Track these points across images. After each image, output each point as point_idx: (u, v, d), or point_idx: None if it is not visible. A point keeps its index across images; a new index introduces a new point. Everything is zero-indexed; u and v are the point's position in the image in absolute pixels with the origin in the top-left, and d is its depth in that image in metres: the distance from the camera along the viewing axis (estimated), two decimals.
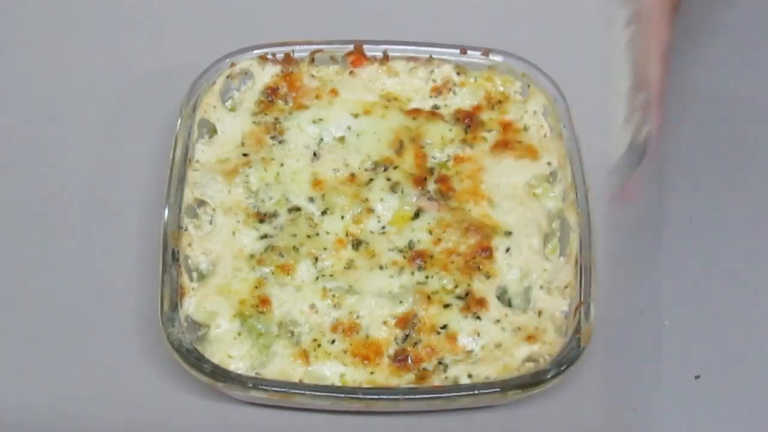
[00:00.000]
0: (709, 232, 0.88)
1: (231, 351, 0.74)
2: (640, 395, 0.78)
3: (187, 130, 0.84)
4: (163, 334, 0.73)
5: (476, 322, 0.76)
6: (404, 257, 0.80)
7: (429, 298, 0.77)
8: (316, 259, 0.79)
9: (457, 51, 0.90)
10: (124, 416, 0.76)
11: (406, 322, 0.76)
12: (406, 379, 0.74)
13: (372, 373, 0.74)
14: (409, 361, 0.75)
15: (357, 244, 0.81)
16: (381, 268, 0.79)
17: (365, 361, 0.75)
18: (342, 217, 0.81)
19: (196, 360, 0.72)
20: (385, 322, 0.76)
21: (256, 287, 0.77)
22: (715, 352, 0.81)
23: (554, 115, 0.87)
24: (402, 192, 0.83)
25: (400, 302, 0.77)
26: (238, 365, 0.74)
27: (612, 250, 0.83)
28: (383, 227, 0.82)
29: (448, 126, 0.88)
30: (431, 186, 0.84)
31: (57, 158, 0.90)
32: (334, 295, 0.77)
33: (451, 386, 0.73)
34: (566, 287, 0.78)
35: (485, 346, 0.75)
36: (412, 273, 0.79)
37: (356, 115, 0.87)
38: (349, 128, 0.87)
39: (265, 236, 0.81)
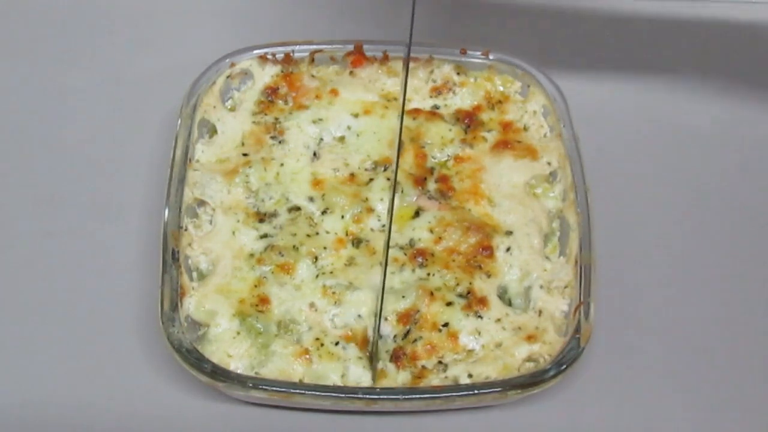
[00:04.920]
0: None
1: (230, 350, 0.74)
2: (640, 395, 0.78)
3: (187, 130, 0.84)
4: (163, 334, 0.73)
5: (477, 320, 0.76)
6: (405, 254, 0.80)
7: (432, 294, 0.77)
8: (316, 258, 0.79)
9: (457, 51, 0.90)
10: (124, 416, 0.76)
11: (407, 318, 0.76)
12: (404, 377, 0.74)
13: (372, 372, 0.74)
14: (409, 357, 0.75)
15: (357, 242, 0.81)
16: (381, 264, 0.79)
17: (365, 360, 0.75)
18: (342, 217, 0.81)
19: (196, 360, 0.72)
20: (386, 318, 0.76)
21: (255, 286, 0.77)
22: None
23: (554, 115, 0.87)
24: (402, 192, 0.83)
25: (403, 297, 0.77)
26: (237, 364, 0.74)
27: (612, 250, 0.83)
28: (383, 225, 0.81)
29: (448, 126, 0.88)
30: (431, 185, 0.84)
31: (57, 158, 0.90)
32: (334, 292, 0.77)
33: (451, 386, 0.73)
34: (566, 287, 0.78)
35: (485, 346, 0.76)
36: (413, 270, 0.79)
37: (356, 115, 0.87)
38: (349, 128, 0.87)
39: (264, 236, 0.81)
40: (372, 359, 0.75)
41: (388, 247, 0.78)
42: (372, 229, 0.81)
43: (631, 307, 0.83)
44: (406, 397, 0.72)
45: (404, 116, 0.87)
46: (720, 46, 1.01)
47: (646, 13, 1.04)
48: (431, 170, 0.85)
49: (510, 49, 0.90)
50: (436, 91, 0.90)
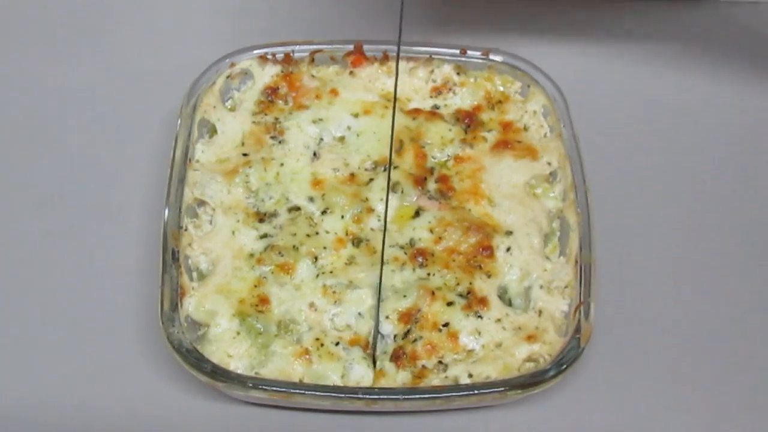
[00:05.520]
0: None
1: (230, 350, 0.74)
2: (640, 395, 0.78)
3: (187, 130, 0.84)
4: (163, 334, 0.73)
5: (478, 320, 0.76)
6: (405, 254, 0.80)
7: (432, 294, 0.77)
8: (316, 258, 0.79)
9: (457, 51, 0.90)
10: (124, 416, 0.76)
11: (408, 317, 0.76)
12: (404, 376, 0.74)
13: (372, 371, 0.74)
14: (409, 357, 0.75)
15: (357, 242, 0.81)
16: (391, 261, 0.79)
17: (366, 360, 0.75)
18: (342, 217, 0.81)
19: (196, 360, 0.72)
20: (387, 317, 0.76)
21: (255, 286, 0.78)
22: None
23: (554, 115, 0.87)
24: (402, 192, 0.83)
25: (404, 296, 0.77)
26: (237, 364, 0.74)
27: (612, 250, 0.83)
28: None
29: (448, 126, 0.88)
30: (431, 185, 0.84)
31: (57, 158, 0.90)
32: (334, 292, 0.77)
33: (451, 386, 0.73)
34: (566, 287, 0.78)
35: (486, 346, 0.76)
36: (414, 270, 0.79)
37: (356, 115, 0.87)
38: (349, 128, 0.87)
39: (264, 236, 0.81)
40: (374, 358, 0.75)
41: (384, 246, 0.78)
42: (372, 229, 0.81)
43: (631, 307, 0.83)
44: (406, 397, 0.72)
45: (404, 116, 0.88)
46: (723, 45, 1.01)
47: (647, 12, 1.03)
48: (431, 170, 0.85)
49: (510, 49, 0.90)
50: (436, 91, 0.90)
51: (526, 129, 0.88)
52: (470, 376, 0.74)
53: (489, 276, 0.79)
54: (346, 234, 0.81)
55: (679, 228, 0.88)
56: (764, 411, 0.78)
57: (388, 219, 0.81)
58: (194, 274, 0.79)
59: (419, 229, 0.81)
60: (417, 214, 0.82)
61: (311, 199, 0.83)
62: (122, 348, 0.79)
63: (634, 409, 0.78)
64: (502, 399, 0.73)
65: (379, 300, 0.76)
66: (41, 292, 0.82)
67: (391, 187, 0.83)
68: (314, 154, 0.86)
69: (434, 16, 1.02)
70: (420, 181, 0.84)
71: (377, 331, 0.76)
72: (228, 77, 0.89)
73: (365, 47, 0.90)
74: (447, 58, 0.90)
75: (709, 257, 0.86)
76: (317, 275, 0.78)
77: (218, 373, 0.72)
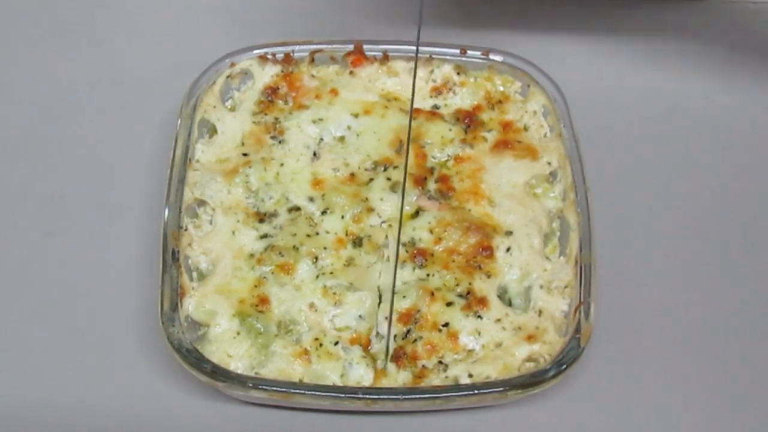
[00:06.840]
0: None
1: (230, 350, 0.74)
2: (640, 395, 0.78)
3: (187, 130, 0.84)
4: (163, 334, 0.73)
5: (477, 321, 0.76)
6: (407, 252, 0.80)
7: (432, 294, 0.77)
8: (316, 259, 0.79)
9: (457, 51, 0.90)
10: (124, 416, 0.76)
11: (408, 318, 0.76)
12: (404, 376, 0.74)
13: (372, 371, 0.74)
14: (409, 357, 0.75)
15: (358, 242, 0.81)
16: (384, 259, 0.79)
17: (366, 360, 0.75)
18: (342, 217, 0.81)
19: (196, 360, 0.72)
20: (385, 318, 0.76)
21: (255, 286, 0.78)
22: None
23: (554, 115, 0.87)
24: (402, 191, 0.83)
25: (404, 297, 0.77)
26: (237, 365, 0.74)
27: (612, 250, 0.83)
28: (383, 222, 0.81)
29: (448, 126, 0.88)
30: (431, 185, 0.84)
31: (57, 158, 0.90)
32: (334, 293, 0.77)
33: (451, 386, 0.73)
34: (566, 287, 0.78)
35: (486, 346, 0.76)
36: (414, 269, 0.79)
37: (356, 115, 0.88)
38: (349, 128, 0.87)
39: (264, 236, 0.81)
40: (380, 357, 0.75)
41: (398, 251, 0.78)
42: (372, 225, 0.81)
43: (631, 307, 0.83)
44: (407, 397, 0.72)
45: (405, 116, 0.88)
46: (724, 45, 1.01)
47: (647, 12, 1.03)
48: (431, 170, 0.85)
49: (510, 49, 0.90)
50: (436, 91, 0.90)
51: (526, 129, 0.88)
52: (470, 376, 0.74)
53: (489, 276, 0.79)
54: (346, 234, 0.81)
55: (679, 228, 0.88)
56: (764, 411, 0.78)
57: (389, 218, 0.81)
58: (194, 274, 0.79)
59: (419, 230, 0.81)
60: (417, 214, 0.82)
61: (311, 199, 0.83)
62: (122, 348, 0.79)
63: (634, 409, 0.78)
64: (502, 399, 0.73)
65: (392, 300, 0.76)
66: (41, 291, 0.82)
67: (391, 187, 0.83)
68: (314, 154, 0.86)
69: (434, 16, 1.02)
70: (420, 181, 0.84)
71: (389, 332, 0.76)
72: (228, 77, 0.89)
73: (365, 47, 0.90)
74: (447, 57, 0.90)
75: (709, 257, 0.86)
76: (317, 276, 0.78)
77: (218, 373, 0.72)
